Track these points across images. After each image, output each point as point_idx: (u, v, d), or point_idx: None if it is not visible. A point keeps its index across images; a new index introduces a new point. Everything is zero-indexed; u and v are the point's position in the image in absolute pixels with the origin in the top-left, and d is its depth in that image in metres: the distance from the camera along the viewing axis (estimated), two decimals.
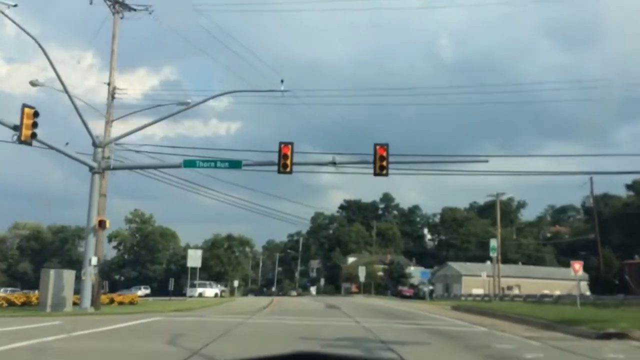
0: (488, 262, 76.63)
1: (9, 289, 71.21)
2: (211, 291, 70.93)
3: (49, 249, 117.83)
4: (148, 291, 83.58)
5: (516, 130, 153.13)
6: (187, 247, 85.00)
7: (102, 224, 27.04)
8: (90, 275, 26.32)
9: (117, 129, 31.35)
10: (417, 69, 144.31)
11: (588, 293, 51.70)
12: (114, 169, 28.03)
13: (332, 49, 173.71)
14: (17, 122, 22.15)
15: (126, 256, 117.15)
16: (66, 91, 25.07)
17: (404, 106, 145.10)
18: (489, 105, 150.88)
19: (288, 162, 24.84)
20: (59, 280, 26.19)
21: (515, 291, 71.23)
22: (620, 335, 15.06)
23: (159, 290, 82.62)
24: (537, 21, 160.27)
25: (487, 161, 26.95)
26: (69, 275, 26.99)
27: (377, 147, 24.65)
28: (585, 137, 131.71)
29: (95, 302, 26.85)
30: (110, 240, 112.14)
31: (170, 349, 11.55)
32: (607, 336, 15.16)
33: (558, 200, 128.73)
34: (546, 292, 62.54)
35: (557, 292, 64.51)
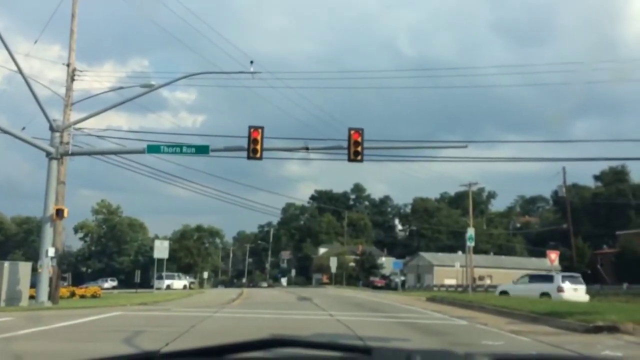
0: (459, 252, 76.46)
1: None
2: (180, 283, 69.38)
3: (13, 241, 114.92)
4: (115, 283, 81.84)
5: (476, 124, 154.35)
6: (156, 238, 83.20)
7: (60, 213, 25.51)
8: (47, 267, 24.83)
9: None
10: (378, 66, 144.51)
11: None
12: (73, 154, 26.50)
13: (297, 46, 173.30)
14: None
15: (93, 248, 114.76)
16: (20, 71, 23.50)
17: (366, 103, 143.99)
18: (448, 100, 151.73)
19: (258, 147, 23.64)
20: (14, 273, 24.67)
21: (487, 281, 71.06)
22: (611, 329, 14.20)
23: (126, 282, 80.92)
24: (489, 21, 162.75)
25: (465, 146, 26.11)
26: (24, 267, 25.49)
27: (352, 132, 23.60)
28: (547, 130, 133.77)
29: (53, 296, 25.38)
30: (76, 232, 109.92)
31: (124, 349, 10.31)
32: (597, 330, 14.30)
33: (526, 191, 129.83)
34: None
35: None
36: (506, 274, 76.55)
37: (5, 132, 24.31)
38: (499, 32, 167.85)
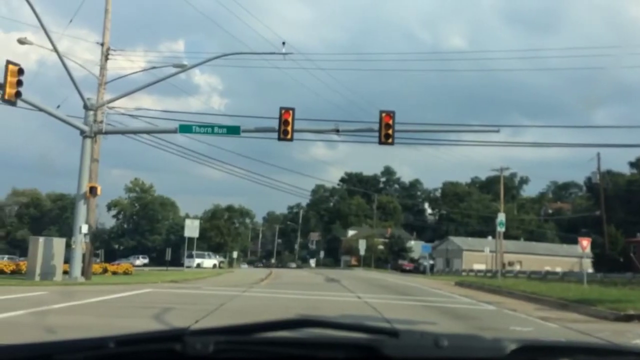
0: (489, 238, 75.91)
1: (6, 256, 70.34)
2: (209, 262, 70.20)
3: (48, 217, 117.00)
4: (146, 261, 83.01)
5: (499, 110, 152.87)
6: (187, 217, 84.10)
7: (93, 190, 25.90)
8: (80, 243, 25.29)
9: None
10: (397, 53, 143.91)
11: (590, 270, 50.80)
12: (106, 133, 26.83)
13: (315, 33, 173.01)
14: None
15: (125, 225, 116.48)
16: (55, 49, 23.77)
17: (388, 87, 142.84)
18: (470, 86, 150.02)
19: (289, 128, 23.67)
20: (48, 248, 25.14)
21: (517, 267, 70.52)
22: None
23: (157, 260, 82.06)
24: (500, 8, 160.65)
25: (497, 131, 25.80)
26: (59, 243, 25.94)
27: (383, 114, 23.46)
28: (571, 117, 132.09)
29: (86, 272, 25.86)
30: (109, 209, 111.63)
31: (154, 326, 10.48)
32: (628, 318, 14.10)
33: (556, 177, 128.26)
34: (548, 268, 61.79)
35: (559, 269, 63.83)
36: (537, 260, 75.96)
37: (42, 110, 24.70)
38: (513, 20, 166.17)
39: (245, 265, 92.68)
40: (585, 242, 31.97)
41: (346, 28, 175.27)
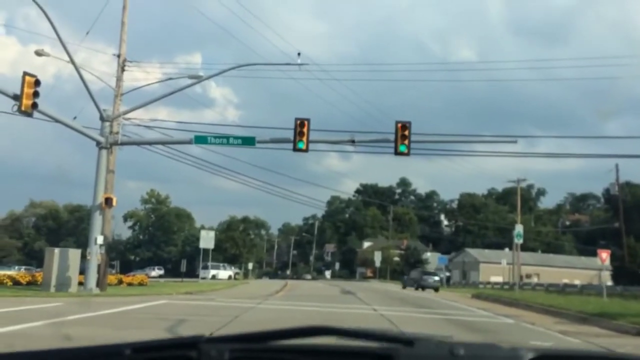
0: (506, 249, 75.37)
1: (23, 267, 70.92)
2: (225, 273, 70.20)
3: (65, 228, 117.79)
4: (162, 272, 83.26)
5: (513, 122, 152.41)
6: (202, 228, 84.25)
7: (108, 201, 25.98)
8: (95, 254, 25.36)
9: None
10: (411, 63, 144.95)
11: (610, 283, 50.20)
12: (122, 144, 26.97)
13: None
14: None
15: (141, 236, 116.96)
16: (72, 61, 24.00)
17: (404, 103, 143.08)
18: (481, 98, 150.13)
19: (304, 139, 23.66)
20: (63, 259, 25.23)
21: (534, 279, 69.87)
22: None
23: (173, 271, 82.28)
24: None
25: (515, 141, 25.68)
26: (74, 254, 26.04)
27: (399, 125, 23.39)
28: (583, 128, 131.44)
29: (101, 283, 25.93)
30: (125, 220, 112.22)
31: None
32: None
33: (577, 189, 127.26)
34: (566, 281, 61.15)
35: (577, 282, 63.18)
36: (554, 272, 75.20)
37: (58, 121, 24.90)
38: (523, 32, 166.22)
39: (266, 278, 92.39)
40: (605, 255, 31.56)
41: (359, 41, 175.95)
